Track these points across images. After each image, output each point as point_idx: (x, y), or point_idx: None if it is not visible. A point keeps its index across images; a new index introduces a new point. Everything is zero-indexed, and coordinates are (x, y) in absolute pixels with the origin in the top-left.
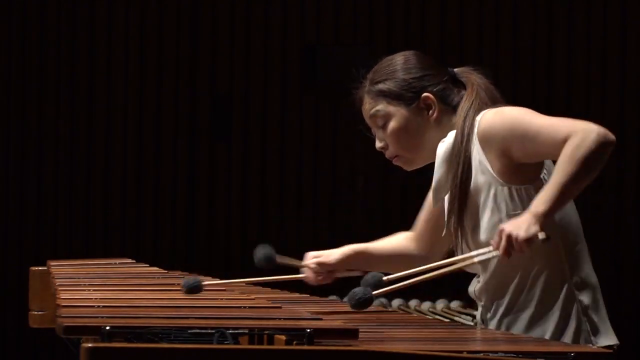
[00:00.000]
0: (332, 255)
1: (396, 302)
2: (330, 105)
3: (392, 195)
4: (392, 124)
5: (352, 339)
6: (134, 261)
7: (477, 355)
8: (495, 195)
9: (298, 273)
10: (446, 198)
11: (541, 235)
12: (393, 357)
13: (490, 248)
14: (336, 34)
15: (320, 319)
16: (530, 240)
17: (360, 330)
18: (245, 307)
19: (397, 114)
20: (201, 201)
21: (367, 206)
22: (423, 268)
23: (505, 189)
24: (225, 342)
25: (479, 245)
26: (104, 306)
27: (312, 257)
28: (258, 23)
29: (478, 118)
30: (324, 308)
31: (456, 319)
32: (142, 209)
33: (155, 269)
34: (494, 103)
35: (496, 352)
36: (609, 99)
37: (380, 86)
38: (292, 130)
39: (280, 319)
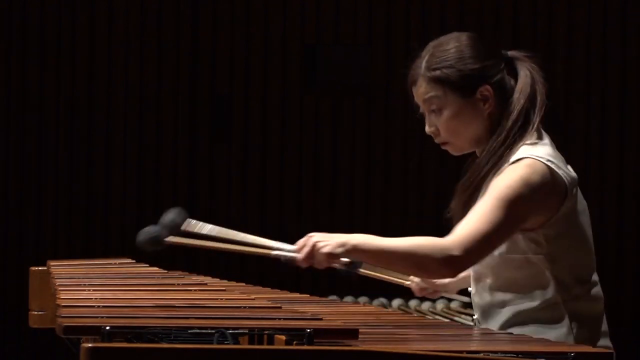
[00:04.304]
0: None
1: (396, 302)
2: (330, 105)
3: (392, 194)
4: (446, 113)
5: (352, 339)
6: (134, 261)
7: (477, 355)
8: None
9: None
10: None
11: (343, 260)
12: (393, 357)
13: (293, 247)
14: (336, 34)
15: (320, 319)
16: (331, 258)
17: (360, 330)
18: (245, 307)
19: (453, 104)
20: (201, 201)
21: (368, 205)
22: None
23: None
24: (225, 342)
25: None
26: (104, 306)
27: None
28: (258, 23)
29: (519, 149)
30: (324, 308)
31: (456, 319)
32: (142, 209)
33: (155, 269)
34: (537, 101)
35: (496, 352)
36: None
37: (438, 73)
38: (292, 130)
39: (280, 319)
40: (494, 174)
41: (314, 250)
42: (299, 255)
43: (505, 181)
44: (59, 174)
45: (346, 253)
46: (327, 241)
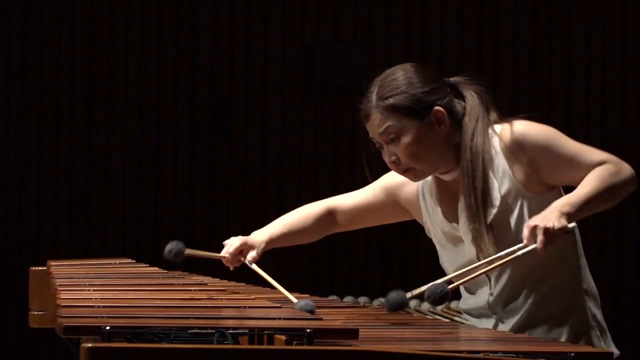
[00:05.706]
0: (255, 248)
1: None
2: (330, 105)
3: None
4: (405, 139)
5: (352, 339)
6: (134, 261)
7: (477, 356)
8: (520, 207)
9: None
10: (461, 219)
11: (570, 226)
12: (393, 357)
13: (523, 244)
14: (336, 34)
15: (320, 319)
16: (563, 230)
17: (360, 330)
18: (245, 307)
19: (410, 129)
20: (201, 201)
21: None
22: (460, 272)
23: (529, 198)
24: (225, 342)
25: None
26: (104, 306)
27: (236, 247)
28: (258, 23)
29: (498, 129)
30: (324, 308)
31: (456, 319)
32: (142, 209)
33: (155, 269)
34: (493, 117)
35: (496, 352)
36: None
37: (391, 101)
38: (292, 130)
39: (280, 319)
40: (492, 164)
41: (549, 234)
42: (538, 245)
43: (544, 136)
44: (59, 174)
45: (571, 219)
46: (550, 219)
